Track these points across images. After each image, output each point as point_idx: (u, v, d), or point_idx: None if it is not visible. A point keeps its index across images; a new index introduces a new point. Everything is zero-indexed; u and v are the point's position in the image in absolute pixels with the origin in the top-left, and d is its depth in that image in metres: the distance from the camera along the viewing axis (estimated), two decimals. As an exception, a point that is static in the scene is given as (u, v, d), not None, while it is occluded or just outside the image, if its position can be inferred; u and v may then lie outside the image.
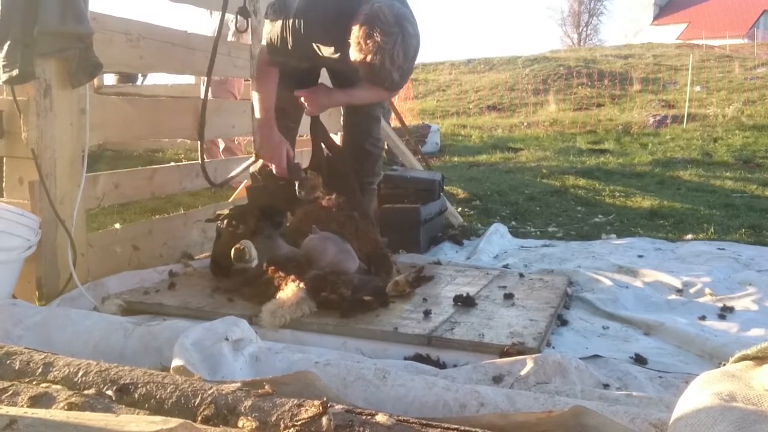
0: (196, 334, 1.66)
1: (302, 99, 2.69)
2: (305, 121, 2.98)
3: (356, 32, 2.27)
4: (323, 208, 2.59)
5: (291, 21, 2.47)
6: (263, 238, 2.39)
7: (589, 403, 1.36)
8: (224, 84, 5.19)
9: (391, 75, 2.30)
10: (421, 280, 2.46)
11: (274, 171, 2.63)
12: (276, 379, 1.41)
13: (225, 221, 2.59)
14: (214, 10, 4.91)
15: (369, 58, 2.25)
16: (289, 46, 2.49)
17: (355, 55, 2.30)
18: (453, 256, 3.46)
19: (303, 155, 3.71)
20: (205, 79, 5.26)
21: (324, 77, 3.01)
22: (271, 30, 2.75)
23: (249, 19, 2.94)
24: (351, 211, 2.60)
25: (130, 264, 2.63)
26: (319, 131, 2.85)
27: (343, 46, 2.42)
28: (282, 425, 1.09)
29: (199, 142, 3.00)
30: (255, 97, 2.67)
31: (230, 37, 4.51)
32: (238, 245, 2.20)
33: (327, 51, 2.52)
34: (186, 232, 3.02)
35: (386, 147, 5.07)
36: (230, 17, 3.47)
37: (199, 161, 3.00)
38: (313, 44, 2.50)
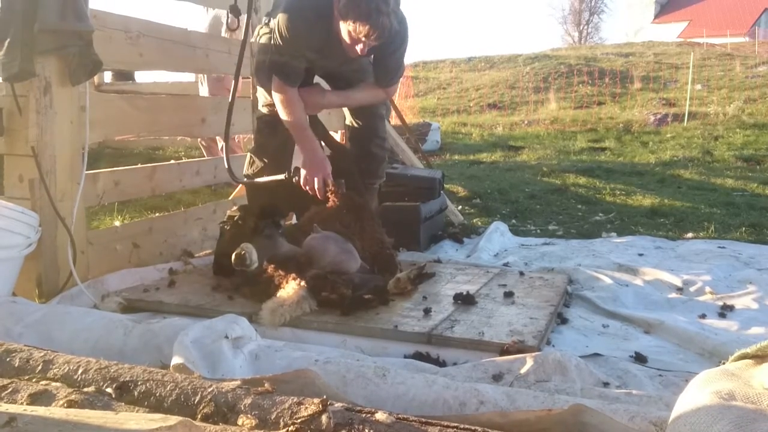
0: (195, 332, 1.66)
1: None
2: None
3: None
4: (328, 207, 2.58)
5: (276, 31, 2.49)
6: (263, 237, 2.39)
7: (589, 401, 1.36)
8: (222, 81, 5.17)
9: (389, 20, 2.28)
10: (422, 277, 2.45)
11: (316, 190, 2.54)
12: (276, 377, 1.41)
13: (227, 221, 2.59)
14: (210, 7, 4.91)
15: (363, 8, 2.23)
16: (279, 50, 2.51)
17: (347, 15, 2.27)
18: (453, 255, 3.46)
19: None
20: (202, 77, 5.30)
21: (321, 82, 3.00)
22: (261, 34, 2.75)
23: (240, 18, 2.93)
24: (356, 210, 2.59)
25: (130, 262, 2.63)
26: (318, 130, 2.84)
27: (329, 47, 2.42)
28: (282, 423, 1.09)
29: (224, 142, 2.95)
30: (286, 113, 2.59)
31: (223, 34, 4.51)
32: (238, 250, 2.20)
33: (314, 53, 2.54)
34: (186, 229, 3.02)
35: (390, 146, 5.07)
36: (223, 13, 3.46)
37: (225, 160, 2.93)
38: (302, 46, 2.51)
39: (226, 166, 2.84)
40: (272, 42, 2.53)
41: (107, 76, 7.14)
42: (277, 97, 2.60)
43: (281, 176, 2.65)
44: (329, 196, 2.56)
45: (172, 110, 3.00)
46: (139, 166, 2.97)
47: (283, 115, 2.60)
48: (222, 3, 3.11)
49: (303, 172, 2.57)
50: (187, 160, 4.41)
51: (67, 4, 2.13)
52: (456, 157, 8.33)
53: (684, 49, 19.14)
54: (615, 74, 14.43)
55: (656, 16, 35.58)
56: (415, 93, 14.71)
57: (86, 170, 2.38)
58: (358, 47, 2.38)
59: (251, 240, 2.31)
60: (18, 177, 2.24)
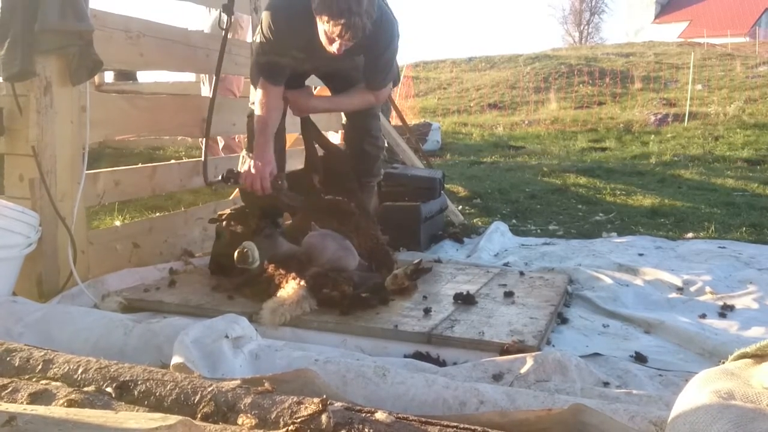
0: (196, 331, 1.67)
1: (288, 99, 2.68)
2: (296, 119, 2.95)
3: None
4: (324, 205, 2.58)
5: (260, 31, 2.48)
6: (263, 237, 2.39)
7: (589, 401, 1.36)
8: (223, 82, 5.16)
9: (362, 20, 2.25)
10: (419, 273, 2.45)
11: (255, 188, 2.50)
12: (276, 376, 1.41)
13: (225, 222, 2.59)
14: (212, 7, 4.90)
15: (335, 8, 2.21)
16: (264, 48, 2.50)
17: (321, 14, 2.26)
18: (453, 254, 3.46)
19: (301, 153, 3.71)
20: (204, 76, 5.30)
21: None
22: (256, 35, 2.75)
23: (231, 17, 2.93)
24: (351, 208, 2.59)
25: (130, 261, 2.63)
26: (310, 131, 2.83)
27: (314, 45, 2.42)
28: (282, 422, 1.09)
29: (204, 140, 2.98)
30: (259, 109, 2.58)
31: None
32: (241, 248, 2.19)
33: (301, 52, 2.53)
34: (186, 229, 3.02)
35: (386, 145, 5.07)
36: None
37: (202, 159, 2.95)
38: (286, 45, 2.50)
39: (202, 161, 2.85)
40: (258, 41, 2.53)
41: (109, 76, 7.14)
42: (258, 94, 2.58)
43: (218, 179, 2.64)
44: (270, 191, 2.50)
45: (173, 110, 2.99)
46: (140, 165, 2.96)
47: (257, 110, 2.58)
48: (218, 3, 3.10)
49: (247, 167, 2.51)
50: (187, 159, 4.40)
51: (67, 4, 2.13)
52: (456, 157, 8.33)
53: (684, 49, 19.12)
54: (615, 74, 14.41)
55: (657, 16, 35.56)
56: (416, 93, 14.71)
57: (87, 170, 2.38)
58: (334, 46, 2.36)
59: (251, 240, 2.31)
60: (18, 176, 2.24)
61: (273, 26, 2.44)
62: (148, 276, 2.54)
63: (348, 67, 2.73)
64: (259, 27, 2.52)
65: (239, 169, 2.90)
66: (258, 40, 2.55)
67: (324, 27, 2.30)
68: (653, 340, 2.15)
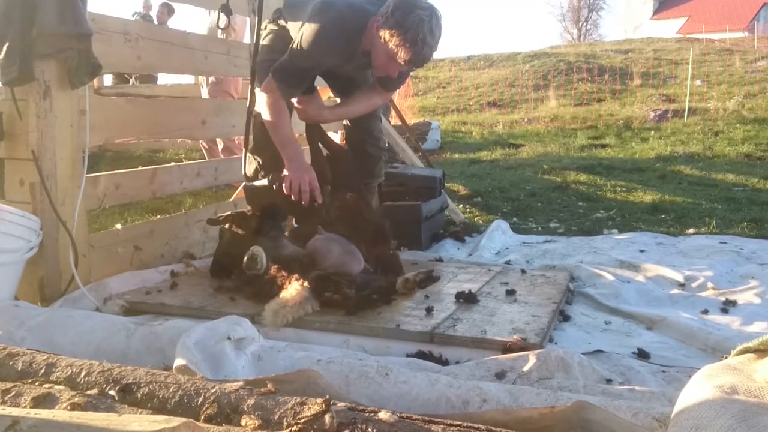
0: (198, 333, 1.67)
1: (296, 104, 2.67)
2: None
3: (392, 14, 2.25)
4: (335, 208, 2.57)
5: (298, 44, 2.43)
6: (267, 239, 2.39)
7: (592, 398, 1.36)
8: (219, 84, 5.18)
9: (431, 51, 2.30)
10: (428, 281, 2.44)
11: (302, 195, 2.47)
12: (279, 377, 1.41)
13: (228, 223, 2.58)
14: (211, 9, 4.91)
15: (410, 34, 2.22)
16: (303, 58, 2.45)
17: (391, 38, 2.26)
18: (455, 253, 3.46)
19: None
20: (203, 79, 5.30)
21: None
22: (273, 35, 2.73)
23: (230, 17, 2.91)
24: (361, 211, 2.58)
25: (131, 264, 2.63)
26: (315, 132, 2.83)
27: (348, 60, 2.39)
28: (285, 423, 1.09)
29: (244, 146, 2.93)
30: (275, 128, 2.53)
31: (219, 34, 4.51)
32: (249, 253, 2.18)
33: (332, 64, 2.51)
34: (187, 231, 3.02)
35: (387, 146, 5.06)
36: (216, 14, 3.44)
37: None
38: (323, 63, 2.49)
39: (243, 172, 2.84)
40: (291, 48, 2.46)
41: (107, 80, 7.15)
42: (266, 97, 2.53)
43: (264, 181, 2.62)
44: (313, 201, 2.50)
45: (173, 113, 3.00)
46: (140, 168, 2.97)
47: (268, 116, 2.53)
48: (219, 4, 3.11)
49: (286, 175, 2.49)
50: (187, 162, 4.41)
51: (65, 8, 2.13)
52: (456, 155, 8.34)
53: (683, 44, 19.12)
54: (614, 71, 14.40)
55: (655, 13, 35.55)
56: (415, 92, 14.70)
57: (87, 173, 2.38)
58: (391, 68, 2.37)
59: (255, 241, 2.31)
60: (19, 181, 2.24)
61: (317, 42, 2.38)
62: (149, 278, 2.54)
63: (355, 67, 2.72)
64: (298, 39, 2.43)
65: (245, 172, 2.89)
66: (293, 47, 2.45)
67: (390, 48, 2.28)
68: (655, 337, 2.15)
